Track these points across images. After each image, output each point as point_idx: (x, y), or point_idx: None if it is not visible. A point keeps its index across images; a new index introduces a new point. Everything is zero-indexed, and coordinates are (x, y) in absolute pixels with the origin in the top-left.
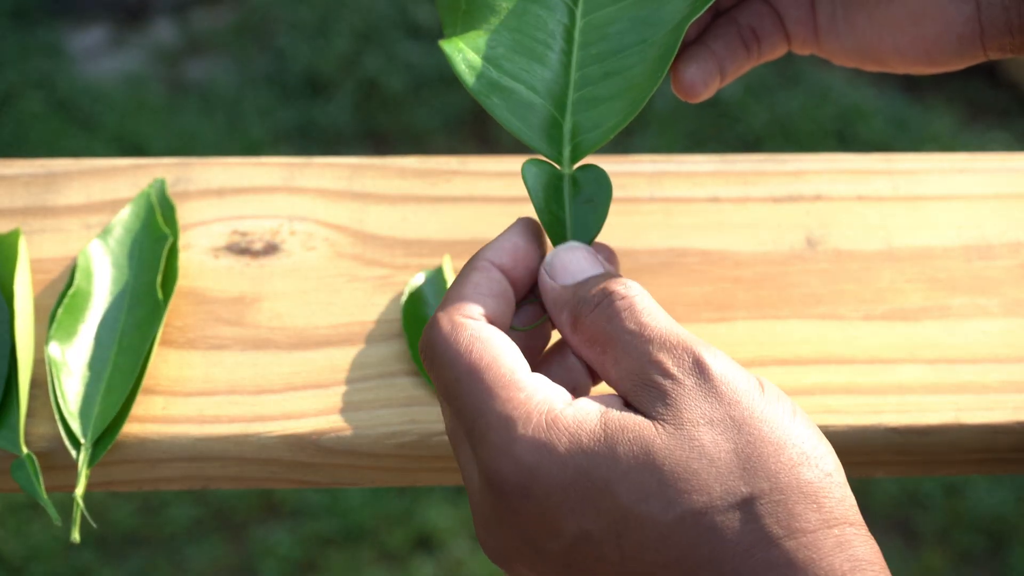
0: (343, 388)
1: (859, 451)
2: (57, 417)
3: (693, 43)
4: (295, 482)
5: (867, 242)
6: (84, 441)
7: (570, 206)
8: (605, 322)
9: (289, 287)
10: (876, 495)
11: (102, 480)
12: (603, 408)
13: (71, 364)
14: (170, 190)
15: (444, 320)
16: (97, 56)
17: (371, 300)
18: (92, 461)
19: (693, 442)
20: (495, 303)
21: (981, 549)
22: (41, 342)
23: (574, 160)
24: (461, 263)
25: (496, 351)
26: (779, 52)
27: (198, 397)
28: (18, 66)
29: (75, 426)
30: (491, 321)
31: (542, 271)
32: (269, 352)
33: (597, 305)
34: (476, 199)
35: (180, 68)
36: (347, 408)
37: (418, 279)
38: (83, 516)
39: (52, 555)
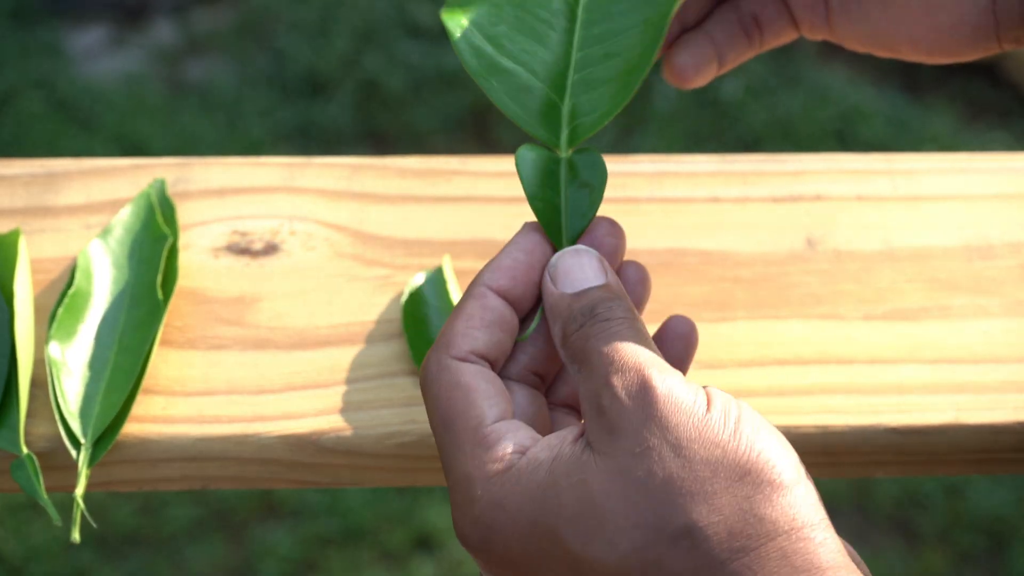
0: (343, 388)
1: (859, 451)
2: (57, 417)
3: (691, 29)
4: (295, 482)
5: (867, 242)
6: (84, 441)
7: (566, 190)
8: (583, 342)
9: (289, 287)
10: (876, 495)
11: (102, 480)
12: (555, 452)
13: (71, 364)
14: (170, 190)
15: (432, 361)
16: (97, 56)
17: (371, 300)
18: (92, 461)
19: (629, 475)
20: (487, 334)
21: (981, 549)
22: (41, 342)
23: (571, 143)
24: (461, 263)
25: (470, 399)
26: (787, 38)
27: (198, 397)
28: (18, 66)
29: (75, 426)
30: (482, 355)
31: (546, 274)
32: (269, 352)
33: (581, 325)
34: (476, 199)
35: (180, 68)
36: (347, 408)
37: (418, 279)
38: (83, 516)
39: (52, 555)
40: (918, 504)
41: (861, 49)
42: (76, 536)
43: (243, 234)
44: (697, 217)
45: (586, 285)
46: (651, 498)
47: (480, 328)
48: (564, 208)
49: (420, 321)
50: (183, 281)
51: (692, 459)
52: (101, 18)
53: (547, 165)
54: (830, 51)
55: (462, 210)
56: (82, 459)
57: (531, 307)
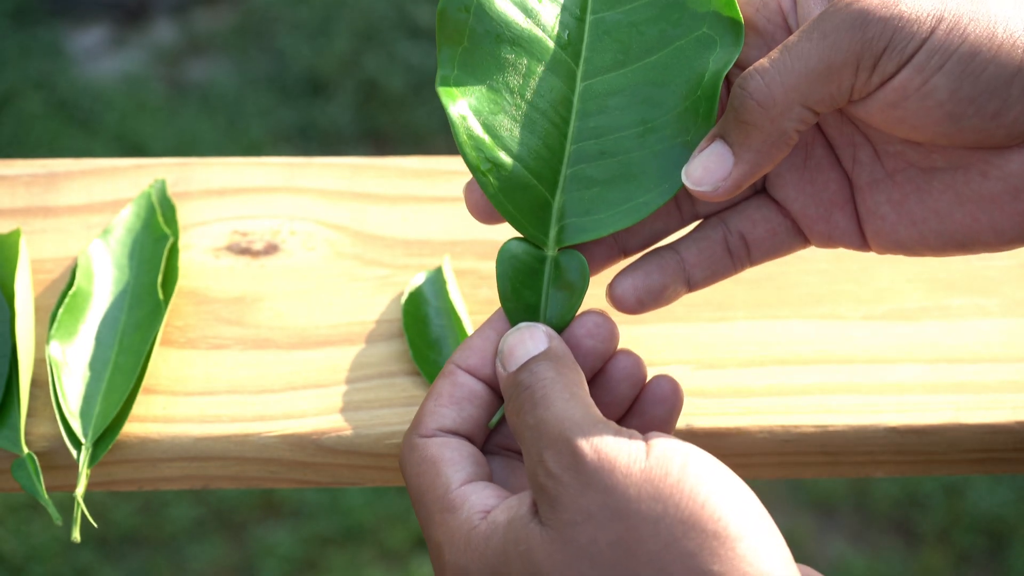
0: (343, 388)
1: (859, 451)
2: (58, 417)
3: (662, 248)
4: (295, 482)
5: None
6: (85, 441)
7: (547, 290)
8: (515, 418)
9: (289, 287)
10: (876, 495)
11: (102, 480)
12: (509, 518)
13: (72, 364)
14: (170, 190)
15: (404, 443)
16: (97, 56)
17: (371, 300)
18: (93, 461)
19: (572, 544)
20: (456, 410)
21: (981, 549)
22: (42, 342)
23: (559, 243)
24: (461, 263)
25: (436, 469)
26: (787, 252)
27: (198, 397)
28: (18, 66)
29: (76, 426)
30: (451, 430)
31: (497, 360)
32: (269, 352)
33: (512, 400)
34: None
35: (180, 68)
36: (347, 408)
37: (418, 279)
38: (83, 516)
39: (52, 555)
40: (918, 504)
41: (909, 254)
42: (76, 536)
43: (243, 234)
44: None
45: (526, 359)
46: (596, 565)
47: (448, 406)
48: (544, 308)
49: (420, 321)
50: (183, 281)
51: (634, 519)
52: (101, 18)
53: (530, 263)
54: None
55: (462, 210)
56: (82, 459)
57: None
